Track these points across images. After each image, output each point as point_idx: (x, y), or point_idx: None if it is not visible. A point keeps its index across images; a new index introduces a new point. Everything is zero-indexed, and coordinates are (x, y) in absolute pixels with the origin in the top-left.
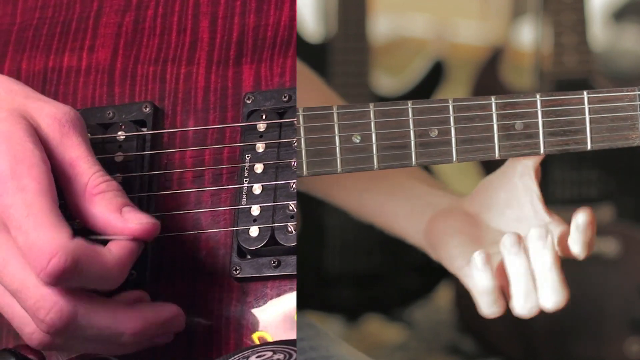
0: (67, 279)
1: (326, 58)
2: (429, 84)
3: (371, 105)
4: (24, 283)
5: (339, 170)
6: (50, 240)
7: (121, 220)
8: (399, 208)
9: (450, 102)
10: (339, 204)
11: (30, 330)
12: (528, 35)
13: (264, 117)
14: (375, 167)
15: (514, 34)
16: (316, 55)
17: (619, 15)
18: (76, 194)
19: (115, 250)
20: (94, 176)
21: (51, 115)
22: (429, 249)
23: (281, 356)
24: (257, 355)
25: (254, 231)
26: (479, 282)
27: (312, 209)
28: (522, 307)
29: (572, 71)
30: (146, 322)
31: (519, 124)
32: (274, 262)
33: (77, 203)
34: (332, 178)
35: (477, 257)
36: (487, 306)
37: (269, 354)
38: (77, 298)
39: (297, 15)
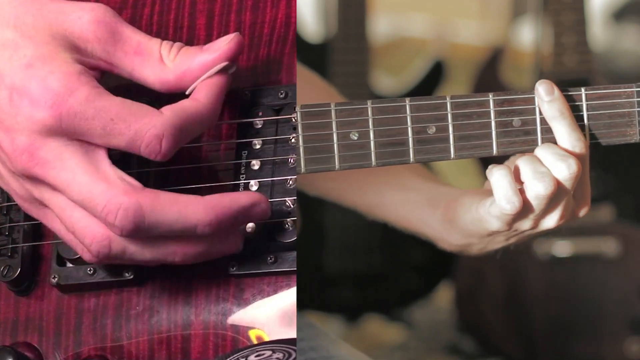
0: (180, 145)
1: (326, 58)
2: (429, 84)
3: (369, 102)
4: (91, 191)
5: (336, 167)
6: (150, 126)
7: (211, 52)
8: (415, 200)
9: (447, 99)
10: (349, 205)
11: (101, 237)
12: (528, 35)
13: (260, 113)
14: (373, 164)
15: (514, 34)
16: (316, 55)
17: (619, 15)
18: (157, 70)
19: (201, 94)
20: (162, 46)
21: (93, 20)
22: (447, 231)
23: (280, 355)
24: (256, 354)
25: (250, 227)
26: (495, 175)
27: (312, 208)
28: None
29: (572, 71)
30: (221, 211)
31: (516, 120)
32: (270, 259)
33: (163, 76)
34: (340, 179)
35: (494, 169)
36: (504, 193)
37: (268, 353)
38: (140, 195)
39: (297, 16)
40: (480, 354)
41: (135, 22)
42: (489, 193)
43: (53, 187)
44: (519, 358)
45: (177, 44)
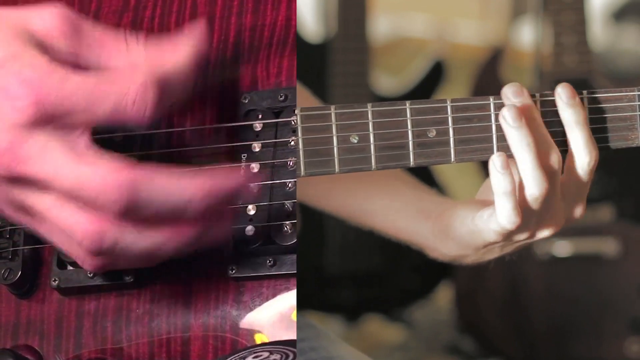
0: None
1: (326, 58)
2: (429, 84)
3: (369, 106)
4: (80, 176)
5: (336, 170)
6: (132, 78)
7: (178, 37)
8: (405, 210)
9: (448, 102)
10: (337, 213)
11: (92, 231)
12: (528, 35)
13: (260, 116)
14: (373, 167)
15: (514, 34)
16: (316, 55)
17: (619, 15)
18: (123, 55)
19: (178, 56)
20: (126, 34)
21: (55, 16)
22: (439, 241)
23: (278, 356)
24: (254, 355)
25: (250, 230)
26: (497, 185)
27: (312, 209)
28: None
29: (572, 71)
30: (215, 185)
31: None
32: (270, 262)
33: (131, 60)
34: (328, 186)
35: (497, 159)
36: (508, 214)
37: (266, 354)
38: (134, 172)
39: (297, 16)
40: (480, 354)
41: (136, 24)
42: (484, 204)
43: (39, 185)
44: (519, 358)
45: (142, 35)
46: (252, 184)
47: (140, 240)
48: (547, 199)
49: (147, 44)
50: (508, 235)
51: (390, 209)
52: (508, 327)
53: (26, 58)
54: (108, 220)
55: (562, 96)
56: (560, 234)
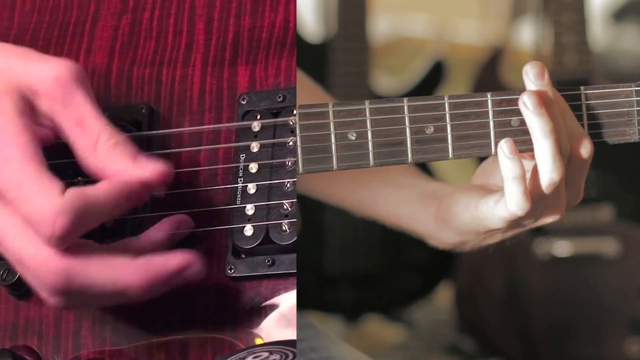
0: (77, 232)
1: (326, 58)
2: (429, 84)
3: (367, 103)
4: (21, 253)
5: (334, 167)
6: (46, 206)
7: (136, 169)
8: (406, 197)
9: (446, 99)
10: (338, 202)
11: (44, 295)
12: (528, 35)
13: (258, 117)
14: (371, 164)
15: (514, 34)
16: (316, 55)
17: (619, 15)
18: (87, 150)
19: (104, 185)
20: (103, 132)
21: (52, 77)
22: (440, 229)
23: (277, 357)
24: (253, 356)
25: (248, 230)
26: (507, 170)
27: (312, 209)
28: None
29: (572, 71)
30: (152, 275)
31: (515, 120)
32: (268, 261)
33: (89, 159)
34: (330, 176)
35: (505, 145)
36: (518, 199)
37: (265, 354)
38: (72, 257)
39: (297, 16)
40: (480, 354)
41: (135, 26)
42: (483, 189)
43: None
44: (519, 358)
45: (120, 137)
46: (193, 264)
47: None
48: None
49: (107, 156)
50: (515, 222)
51: (390, 197)
52: (508, 327)
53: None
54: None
55: (528, 104)
56: (560, 234)
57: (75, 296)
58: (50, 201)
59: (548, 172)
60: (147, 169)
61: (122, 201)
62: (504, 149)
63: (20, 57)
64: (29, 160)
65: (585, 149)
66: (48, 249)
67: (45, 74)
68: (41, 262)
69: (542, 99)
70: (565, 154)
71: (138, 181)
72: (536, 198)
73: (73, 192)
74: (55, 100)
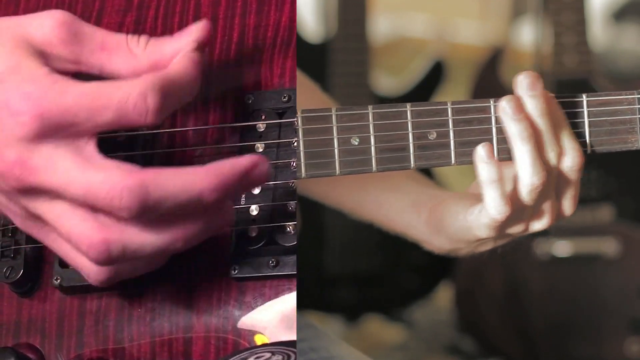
0: (168, 106)
1: (326, 58)
2: (429, 84)
3: (370, 108)
4: (90, 183)
5: (337, 172)
6: (129, 87)
7: (180, 39)
8: (399, 203)
9: (448, 104)
10: (336, 205)
11: (97, 240)
12: (528, 35)
13: (263, 117)
14: (374, 169)
15: (514, 34)
16: (316, 55)
17: (619, 15)
18: (128, 60)
19: (181, 59)
20: (130, 38)
21: (54, 24)
22: (433, 235)
23: (279, 357)
24: (255, 356)
25: (252, 231)
26: (483, 174)
27: (312, 209)
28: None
29: (572, 71)
30: (223, 177)
31: None
32: (272, 262)
33: (135, 66)
34: (329, 179)
35: (481, 150)
36: (496, 204)
37: (267, 355)
38: (143, 173)
39: (297, 16)
40: (480, 354)
41: (139, 24)
42: (475, 198)
43: (50, 194)
44: (519, 358)
45: (144, 36)
46: (260, 164)
47: (148, 242)
48: (542, 190)
49: (149, 46)
50: (500, 228)
51: (386, 202)
52: (508, 327)
53: (26, 71)
54: (114, 227)
55: (507, 110)
56: (560, 234)
57: (152, 213)
58: (133, 84)
59: (528, 177)
60: (188, 36)
61: (197, 70)
62: (480, 153)
63: (14, 19)
64: (87, 83)
65: (573, 161)
66: (116, 171)
67: (48, 24)
68: (114, 184)
69: (521, 104)
70: (551, 163)
71: (193, 43)
72: (520, 204)
73: (151, 74)
74: (70, 42)
